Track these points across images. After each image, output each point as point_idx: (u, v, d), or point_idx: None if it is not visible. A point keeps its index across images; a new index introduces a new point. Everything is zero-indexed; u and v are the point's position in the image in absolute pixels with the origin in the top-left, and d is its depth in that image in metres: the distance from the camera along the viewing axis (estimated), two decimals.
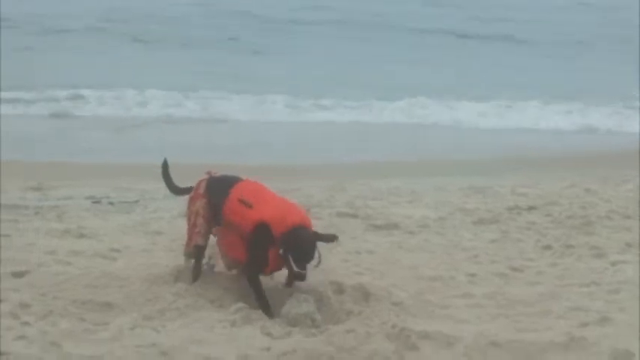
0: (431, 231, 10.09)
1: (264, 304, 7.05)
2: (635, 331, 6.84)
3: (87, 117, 19.72)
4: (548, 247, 9.44)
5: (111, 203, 11.19)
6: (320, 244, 6.96)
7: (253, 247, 7.02)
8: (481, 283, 8.21)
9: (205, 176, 7.57)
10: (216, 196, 7.29)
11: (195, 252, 7.41)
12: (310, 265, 6.86)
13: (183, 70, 25.08)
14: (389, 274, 8.27)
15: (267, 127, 19.72)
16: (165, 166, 8.06)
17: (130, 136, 18.10)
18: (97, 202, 11.26)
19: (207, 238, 7.37)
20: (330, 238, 7.04)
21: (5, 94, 20.13)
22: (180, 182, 7.99)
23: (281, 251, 6.87)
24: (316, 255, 6.89)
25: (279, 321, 6.84)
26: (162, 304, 7.05)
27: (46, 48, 27.03)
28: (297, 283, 7.19)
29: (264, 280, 7.21)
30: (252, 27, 32.94)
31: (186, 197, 7.70)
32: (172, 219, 10.12)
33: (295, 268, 6.85)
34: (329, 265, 8.15)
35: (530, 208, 11.11)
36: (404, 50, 30.81)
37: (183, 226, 7.66)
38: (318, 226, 9.63)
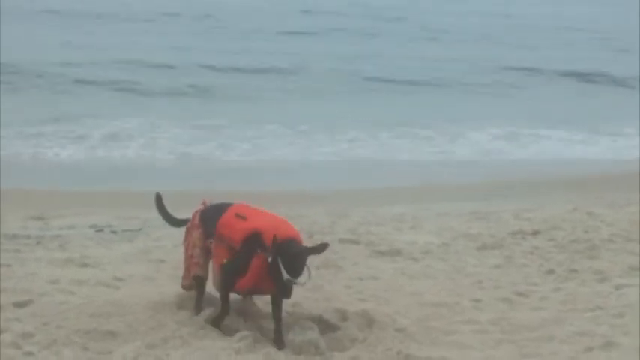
0: (434, 257, 10.07)
1: (223, 312, 7.04)
2: None
3: None
4: (551, 272, 9.42)
5: (114, 232, 11.19)
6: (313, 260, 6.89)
7: (238, 253, 6.90)
8: (485, 308, 8.18)
9: (201, 207, 7.53)
10: (210, 223, 7.24)
11: (196, 283, 7.39)
12: (301, 279, 6.76)
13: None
14: (393, 301, 8.24)
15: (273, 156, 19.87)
16: (158, 199, 8.04)
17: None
18: (99, 230, 11.25)
19: (206, 269, 7.31)
20: (321, 248, 6.91)
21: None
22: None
23: (270, 259, 6.72)
24: (306, 270, 6.77)
25: (284, 348, 6.82)
26: (165, 332, 7.02)
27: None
28: (300, 310, 7.18)
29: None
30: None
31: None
32: (175, 247, 10.10)
33: (285, 275, 6.69)
34: (332, 291, 8.16)
35: (534, 233, 11.09)
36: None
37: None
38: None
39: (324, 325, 7.17)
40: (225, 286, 7.04)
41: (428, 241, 10.74)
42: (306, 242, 10.17)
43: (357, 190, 16.09)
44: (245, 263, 6.84)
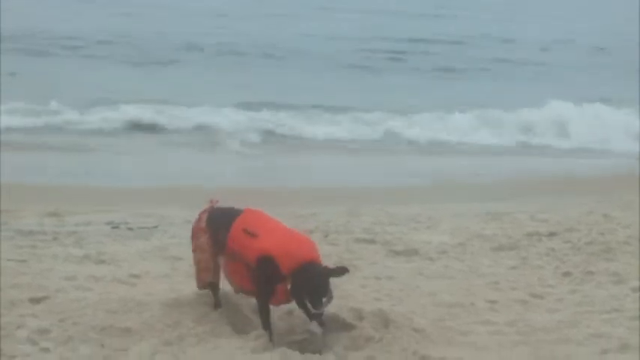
0: (450, 257, 10.05)
1: (269, 332, 6.93)
2: None
3: None
4: (568, 274, 9.39)
5: (130, 229, 11.18)
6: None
7: (259, 280, 6.82)
8: (501, 309, 8.16)
9: (207, 207, 7.48)
10: (218, 230, 7.16)
11: (209, 288, 7.38)
12: (325, 303, 6.66)
13: None
14: (408, 301, 8.24)
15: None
16: None
17: None
18: (115, 227, 11.26)
19: (217, 274, 7.29)
20: (342, 272, 6.76)
21: None
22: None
23: (289, 287, 6.66)
24: (329, 291, 6.69)
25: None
26: (181, 330, 7.03)
27: None
28: None
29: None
30: None
31: None
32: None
33: (312, 310, 6.62)
34: (348, 291, 8.14)
35: (550, 235, 11.05)
36: None
37: None
38: (335, 253, 9.68)
39: (340, 324, 7.15)
40: (263, 313, 6.99)
41: (444, 241, 10.72)
42: (321, 243, 10.29)
43: (370, 188, 16.07)
44: (271, 291, 6.80)
